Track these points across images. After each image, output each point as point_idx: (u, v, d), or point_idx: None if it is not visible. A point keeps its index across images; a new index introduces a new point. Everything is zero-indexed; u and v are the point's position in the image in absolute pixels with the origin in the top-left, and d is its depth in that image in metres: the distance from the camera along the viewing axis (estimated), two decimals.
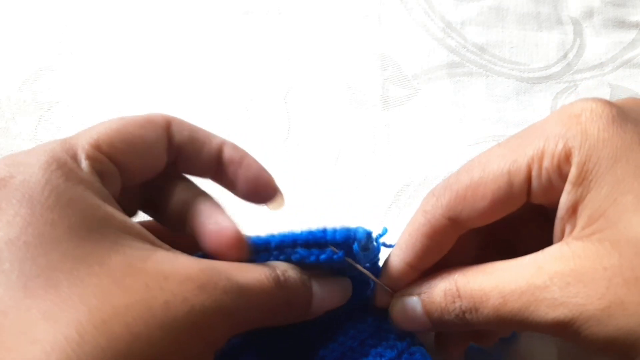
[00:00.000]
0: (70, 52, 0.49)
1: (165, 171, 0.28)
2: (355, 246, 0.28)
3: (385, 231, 0.30)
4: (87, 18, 0.51)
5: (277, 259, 0.28)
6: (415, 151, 0.44)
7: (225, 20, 0.51)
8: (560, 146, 0.26)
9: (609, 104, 0.27)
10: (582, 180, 0.25)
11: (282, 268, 0.27)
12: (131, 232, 0.22)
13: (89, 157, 0.23)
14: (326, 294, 0.28)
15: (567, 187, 0.26)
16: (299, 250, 0.27)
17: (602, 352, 0.24)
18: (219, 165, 0.29)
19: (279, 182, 0.43)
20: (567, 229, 0.26)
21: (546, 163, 0.26)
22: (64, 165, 0.22)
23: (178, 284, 0.21)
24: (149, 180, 0.28)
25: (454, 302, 0.27)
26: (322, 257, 0.27)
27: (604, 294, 0.23)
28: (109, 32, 0.50)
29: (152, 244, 0.23)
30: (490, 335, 0.33)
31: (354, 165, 0.44)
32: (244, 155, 0.30)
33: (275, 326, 0.28)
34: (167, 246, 0.24)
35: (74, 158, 0.23)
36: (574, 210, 0.26)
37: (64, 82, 0.48)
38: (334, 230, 0.28)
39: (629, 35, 0.51)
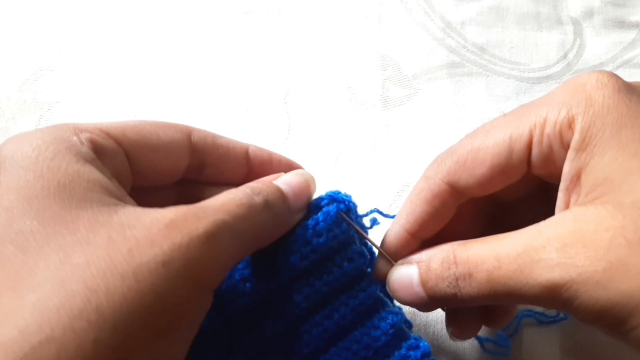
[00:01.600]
0: (70, 52, 0.49)
1: (195, 180, 0.29)
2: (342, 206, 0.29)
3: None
4: (87, 18, 0.51)
5: None
6: (415, 151, 0.44)
7: (225, 20, 0.51)
8: (563, 113, 0.26)
9: (615, 75, 0.26)
10: (586, 146, 0.25)
11: (248, 185, 0.26)
12: (102, 188, 0.22)
13: (89, 133, 0.24)
14: (296, 187, 0.28)
15: (570, 154, 0.26)
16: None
17: (594, 322, 0.23)
18: (249, 168, 0.30)
19: None
20: (572, 199, 0.26)
21: (548, 129, 0.26)
22: (60, 138, 0.23)
23: (144, 229, 0.20)
24: (178, 181, 0.28)
25: (449, 268, 0.27)
26: (312, 217, 0.28)
27: (604, 255, 0.22)
28: (109, 32, 0.50)
29: (121, 200, 0.23)
30: (499, 316, 0.32)
31: (354, 165, 0.44)
32: (270, 152, 0.31)
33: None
34: (135, 203, 0.24)
35: (76, 133, 0.23)
36: (577, 177, 0.25)
37: (64, 82, 0.48)
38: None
39: (629, 35, 0.51)
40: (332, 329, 0.28)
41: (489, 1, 0.52)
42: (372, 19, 0.51)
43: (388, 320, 0.29)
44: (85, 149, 0.23)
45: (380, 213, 0.33)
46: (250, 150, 0.30)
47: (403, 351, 0.29)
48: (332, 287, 0.29)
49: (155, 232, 0.20)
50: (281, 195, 0.27)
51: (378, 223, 0.33)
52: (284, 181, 0.28)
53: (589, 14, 0.52)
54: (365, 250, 0.31)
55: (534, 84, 0.48)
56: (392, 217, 0.33)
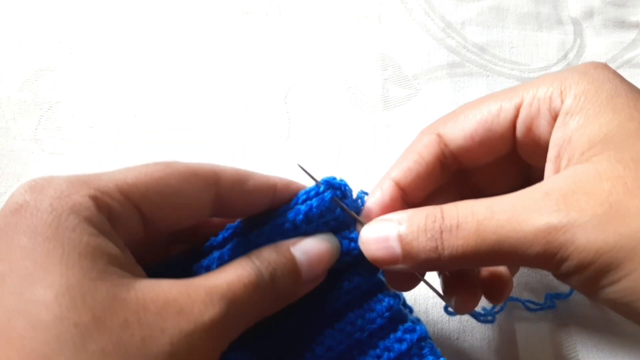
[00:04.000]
0: (70, 52, 0.49)
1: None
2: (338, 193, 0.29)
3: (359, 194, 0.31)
4: (87, 18, 0.51)
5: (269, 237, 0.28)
6: None
7: (225, 21, 0.51)
8: (557, 83, 0.27)
9: (609, 66, 0.27)
10: (580, 109, 0.25)
11: (259, 256, 0.26)
12: (118, 262, 0.22)
13: (108, 197, 0.23)
14: (314, 258, 0.27)
15: (560, 119, 0.26)
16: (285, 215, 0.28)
17: (586, 268, 0.22)
18: (273, 201, 0.29)
19: None
20: (563, 163, 0.26)
21: (540, 94, 0.27)
22: (79, 206, 0.22)
23: (156, 315, 0.21)
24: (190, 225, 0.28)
25: (434, 221, 0.26)
26: (305, 203, 0.28)
27: (604, 200, 0.22)
28: (109, 32, 0.50)
29: (133, 272, 0.23)
30: (498, 287, 0.32)
31: (354, 165, 0.44)
32: (298, 187, 0.30)
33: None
34: (142, 272, 0.24)
35: (94, 199, 0.23)
36: (568, 142, 0.25)
37: (64, 82, 0.48)
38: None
39: (629, 35, 0.51)
40: (328, 312, 0.28)
41: (489, 1, 0.52)
42: (372, 19, 0.51)
43: (384, 303, 0.29)
44: (103, 220, 0.23)
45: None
46: (279, 187, 0.29)
47: (399, 334, 0.28)
48: (328, 276, 0.29)
49: (165, 318, 0.21)
50: (291, 269, 0.26)
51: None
52: (302, 250, 0.27)
53: (589, 14, 0.52)
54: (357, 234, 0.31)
55: None
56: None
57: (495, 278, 0.32)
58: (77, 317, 0.19)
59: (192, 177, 0.26)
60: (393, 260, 0.27)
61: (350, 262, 0.29)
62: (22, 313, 0.19)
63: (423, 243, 0.26)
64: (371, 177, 0.43)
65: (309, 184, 0.30)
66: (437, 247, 0.25)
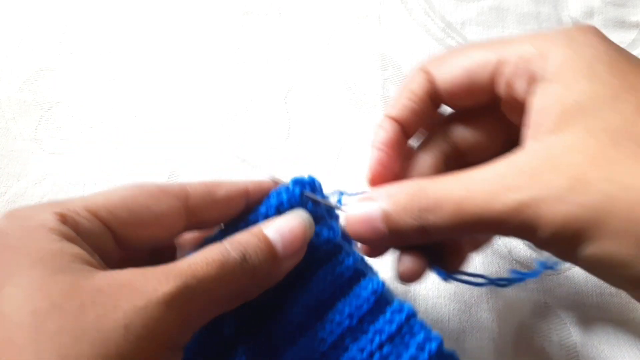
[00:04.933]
0: (70, 52, 0.49)
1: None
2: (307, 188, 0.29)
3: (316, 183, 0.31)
4: (87, 18, 0.51)
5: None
6: None
7: (225, 21, 0.51)
8: (540, 44, 0.27)
9: (599, 30, 0.27)
10: (557, 76, 0.26)
11: (229, 239, 0.26)
12: (82, 260, 0.23)
13: (75, 215, 0.25)
14: (287, 233, 0.27)
15: (538, 85, 0.26)
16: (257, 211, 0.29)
17: (555, 239, 0.23)
18: (248, 203, 0.30)
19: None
20: (539, 131, 0.26)
21: (522, 51, 0.27)
22: (45, 222, 0.24)
23: (110, 295, 0.22)
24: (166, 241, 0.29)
25: (416, 200, 0.27)
26: (276, 199, 0.29)
27: (569, 173, 0.23)
28: (109, 32, 0.50)
29: (99, 267, 0.24)
30: (450, 257, 0.32)
31: (354, 165, 0.43)
32: (269, 184, 0.31)
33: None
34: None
35: (60, 217, 0.24)
36: (544, 110, 0.26)
37: (64, 82, 0.48)
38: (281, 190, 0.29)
39: (629, 35, 0.51)
40: (313, 304, 0.29)
41: (489, 1, 0.52)
42: (372, 19, 0.51)
43: (369, 288, 0.29)
44: (67, 229, 0.24)
45: (345, 194, 0.34)
46: (250, 190, 0.30)
47: (388, 315, 0.29)
48: (307, 264, 0.29)
49: (120, 297, 0.22)
50: (265, 246, 0.26)
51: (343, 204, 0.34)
52: (274, 228, 0.27)
53: (589, 14, 0.52)
54: (336, 225, 0.31)
55: None
56: (358, 194, 0.33)
57: (448, 248, 0.32)
58: (35, 305, 0.21)
59: (160, 194, 0.27)
60: (379, 239, 0.28)
61: (330, 251, 0.30)
62: None
63: (407, 222, 0.27)
64: None
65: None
66: (420, 225, 0.26)
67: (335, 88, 0.47)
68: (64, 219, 0.24)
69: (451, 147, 0.32)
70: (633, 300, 0.37)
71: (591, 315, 0.37)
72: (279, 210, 0.29)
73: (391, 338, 0.28)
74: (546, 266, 0.36)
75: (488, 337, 0.36)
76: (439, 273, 0.33)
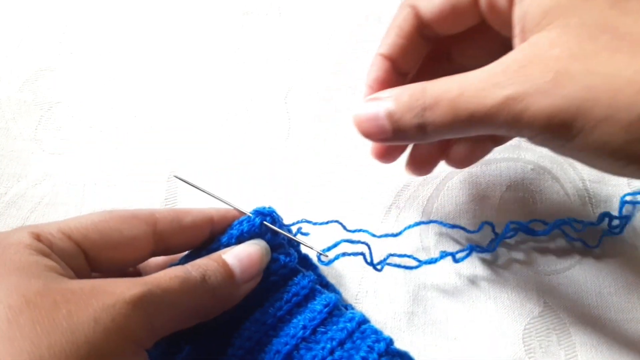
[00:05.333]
0: (70, 52, 0.49)
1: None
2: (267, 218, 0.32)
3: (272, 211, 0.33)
4: (87, 18, 0.51)
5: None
6: None
7: (225, 21, 0.51)
8: None
9: None
10: None
11: (191, 262, 0.29)
12: (56, 272, 0.25)
13: (50, 236, 0.27)
14: (245, 259, 0.30)
15: None
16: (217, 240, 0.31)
17: (545, 131, 0.25)
18: (212, 232, 0.32)
19: (279, 182, 0.43)
20: (525, 36, 0.27)
21: None
22: (21, 240, 0.26)
23: (82, 295, 0.23)
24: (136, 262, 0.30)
25: (417, 99, 0.28)
26: (237, 228, 0.31)
27: (551, 67, 0.24)
28: (109, 32, 0.50)
29: (71, 278, 0.26)
30: (459, 153, 0.35)
31: (354, 165, 0.43)
32: (234, 215, 0.33)
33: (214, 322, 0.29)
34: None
35: (35, 237, 0.26)
36: (526, 14, 0.27)
37: (64, 82, 0.48)
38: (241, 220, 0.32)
39: None
40: (270, 322, 0.31)
41: None
42: (372, 19, 0.51)
43: (322, 302, 0.32)
44: (42, 246, 0.26)
45: (309, 222, 0.37)
46: (215, 219, 0.32)
47: (340, 325, 0.31)
48: (265, 287, 0.31)
49: (91, 297, 0.24)
50: (224, 270, 0.29)
51: (307, 234, 0.37)
52: (233, 254, 0.30)
53: None
54: (294, 251, 0.34)
55: None
56: (322, 223, 0.37)
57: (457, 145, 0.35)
58: (11, 301, 0.22)
59: (131, 218, 0.29)
60: (383, 136, 0.30)
61: (287, 275, 0.32)
62: None
63: (409, 120, 0.29)
64: (371, 177, 0.43)
65: (256, 204, 0.33)
66: (420, 123, 0.28)
67: (335, 88, 0.47)
68: (38, 237, 0.26)
69: (451, 70, 0.33)
70: (633, 300, 0.37)
71: (591, 315, 0.37)
72: (240, 239, 0.31)
73: (342, 343, 0.30)
74: (474, 248, 0.38)
75: (487, 337, 0.36)
76: (372, 265, 0.36)
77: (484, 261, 0.39)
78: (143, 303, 0.24)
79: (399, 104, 0.29)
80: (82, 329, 0.22)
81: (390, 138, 0.30)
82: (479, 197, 0.41)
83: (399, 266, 0.37)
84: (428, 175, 0.42)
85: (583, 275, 0.38)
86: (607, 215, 0.39)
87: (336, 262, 0.38)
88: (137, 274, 0.33)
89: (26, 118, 0.46)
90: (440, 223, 0.39)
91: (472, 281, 0.38)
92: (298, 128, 0.45)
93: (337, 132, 0.45)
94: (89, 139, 0.45)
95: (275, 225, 0.32)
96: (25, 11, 0.51)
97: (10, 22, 0.50)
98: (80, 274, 0.27)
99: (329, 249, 0.36)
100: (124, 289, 0.24)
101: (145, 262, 0.32)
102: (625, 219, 0.39)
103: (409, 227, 0.39)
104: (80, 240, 0.27)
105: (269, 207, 0.33)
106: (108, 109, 0.46)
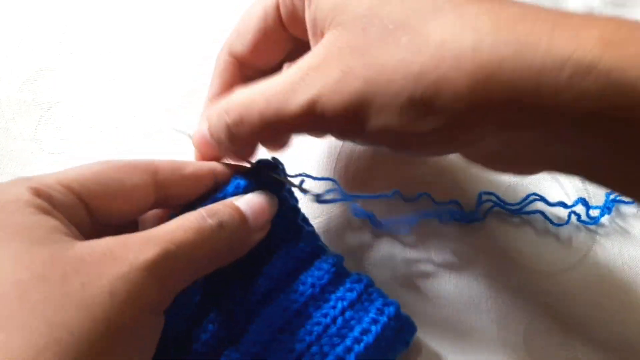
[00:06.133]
0: (70, 52, 0.49)
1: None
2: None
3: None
4: (87, 18, 0.51)
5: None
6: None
7: (225, 21, 0.51)
8: None
9: None
10: None
11: (205, 208, 0.28)
12: (59, 232, 0.24)
13: (48, 188, 0.25)
14: (256, 206, 0.30)
15: (305, 1, 0.29)
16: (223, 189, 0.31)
17: (344, 126, 0.26)
18: (215, 185, 0.32)
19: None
20: (317, 35, 0.29)
21: None
22: (19, 195, 0.24)
23: (92, 264, 0.22)
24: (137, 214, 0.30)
25: (223, 118, 0.29)
26: (242, 179, 0.31)
27: (337, 66, 0.25)
28: (109, 32, 0.50)
29: (77, 238, 0.24)
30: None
31: (354, 165, 0.43)
32: (235, 167, 0.33)
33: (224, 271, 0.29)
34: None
35: (35, 191, 0.25)
36: (315, 19, 0.28)
37: (64, 82, 0.48)
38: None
39: None
40: (277, 276, 0.31)
41: None
42: None
43: (329, 261, 0.32)
44: (41, 202, 0.24)
45: (309, 176, 0.37)
46: (218, 170, 0.32)
47: (348, 285, 0.31)
48: (270, 241, 0.31)
49: (102, 265, 0.22)
50: (238, 216, 0.28)
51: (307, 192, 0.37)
52: (244, 201, 0.30)
53: (589, 13, 0.52)
54: (297, 206, 0.34)
55: None
56: (321, 179, 0.37)
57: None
58: (18, 276, 0.21)
59: (130, 168, 0.28)
60: (221, 153, 0.32)
61: (291, 230, 0.32)
62: None
63: (224, 138, 0.29)
64: (371, 176, 0.43)
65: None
66: (235, 140, 0.29)
67: None
68: (37, 192, 0.24)
69: None
70: (633, 300, 0.37)
71: (591, 315, 0.37)
72: (245, 189, 0.31)
73: (352, 304, 0.30)
74: (422, 215, 0.39)
75: (487, 337, 0.36)
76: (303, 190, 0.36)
77: (485, 261, 0.39)
78: (159, 268, 0.23)
79: (211, 125, 0.30)
80: (97, 302, 0.21)
81: (227, 154, 0.31)
82: (479, 196, 0.41)
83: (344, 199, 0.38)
84: (429, 173, 0.42)
85: (583, 275, 0.38)
86: (582, 201, 0.39)
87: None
88: (135, 226, 0.32)
89: (26, 118, 0.46)
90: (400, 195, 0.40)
91: (473, 281, 0.38)
92: None
93: None
94: (89, 139, 0.45)
95: (280, 173, 0.33)
96: (25, 11, 0.51)
97: (10, 22, 0.50)
98: (81, 229, 0.26)
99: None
100: (137, 252, 0.23)
101: (144, 215, 0.32)
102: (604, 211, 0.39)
103: (370, 197, 0.39)
104: (80, 192, 0.26)
105: (272, 158, 0.33)
106: (108, 109, 0.46)
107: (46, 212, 0.24)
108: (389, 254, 0.39)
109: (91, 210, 0.27)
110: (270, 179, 0.32)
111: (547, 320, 0.37)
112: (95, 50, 0.49)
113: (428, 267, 0.38)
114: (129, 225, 0.31)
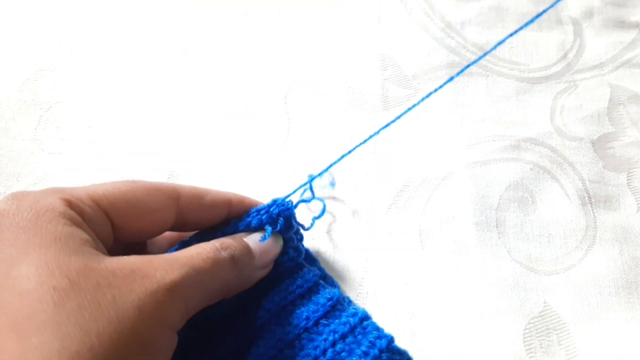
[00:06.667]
0: (70, 52, 0.49)
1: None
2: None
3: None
4: (87, 18, 0.51)
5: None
6: (415, 151, 0.44)
7: (225, 21, 0.51)
8: None
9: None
10: None
11: (217, 240, 0.29)
12: (91, 245, 0.25)
13: (80, 202, 0.26)
14: (263, 245, 0.31)
15: None
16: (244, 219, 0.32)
17: None
18: (228, 216, 0.33)
19: (279, 182, 0.43)
20: None
21: None
22: (54, 205, 0.25)
23: (123, 279, 0.23)
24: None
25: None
26: (256, 217, 0.32)
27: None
28: (109, 32, 0.50)
29: (103, 253, 0.25)
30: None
31: (354, 165, 0.43)
32: (250, 202, 0.33)
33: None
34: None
35: (67, 202, 0.26)
36: None
37: (64, 82, 0.48)
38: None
39: (629, 35, 0.51)
40: (274, 310, 0.31)
41: (489, 1, 0.52)
42: (372, 19, 0.51)
43: (326, 295, 0.32)
44: (75, 215, 0.25)
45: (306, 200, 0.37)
46: (233, 202, 0.33)
47: (342, 319, 0.31)
48: (272, 277, 0.32)
49: (132, 281, 0.23)
50: (248, 252, 0.30)
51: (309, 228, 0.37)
52: (252, 239, 0.31)
53: (589, 14, 0.52)
54: (302, 246, 0.35)
55: (534, 84, 0.48)
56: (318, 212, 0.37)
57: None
58: (55, 282, 0.22)
59: (156, 191, 0.29)
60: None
61: (293, 268, 0.33)
62: (8, 287, 0.22)
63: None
64: (371, 177, 0.43)
65: (264, 200, 0.34)
66: None
67: (335, 88, 0.47)
68: (70, 205, 0.26)
69: None
70: (633, 300, 0.37)
71: (591, 315, 0.37)
72: (256, 228, 0.32)
73: (344, 337, 0.31)
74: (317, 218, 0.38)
75: (487, 337, 0.36)
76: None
77: (484, 261, 0.39)
78: (181, 289, 0.25)
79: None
80: (127, 316, 0.22)
81: None
82: (479, 196, 0.41)
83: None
84: (427, 176, 0.42)
85: (583, 275, 0.38)
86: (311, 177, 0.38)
87: (336, 263, 0.38)
88: (144, 246, 0.33)
89: (26, 118, 0.46)
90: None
91: (473, 281, 0.38)
92: (298, 128, 0.45)
93: (337, 133, 0.45)
94: (89, 139, 0.45)
95: (290, 219, 0.33)
96: (25, 11, 0.51)
97: (10, 22, 0.50)
98: (106, 244, 0.27)
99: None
100: (163, 272, 0.24)
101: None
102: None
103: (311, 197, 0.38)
104: (108, 209, 0.27)
105: (288, 201, 0.34)
106: (108, 109, 0.46)
107: (78, 224, 0.25)
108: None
109: (115, 227, 0.27)
110: (281, 221, 0.33)
111: (547, 320, 0.37)
112: (95, 50, 0.49)
113: (428, 274, 0.38)
114: (138, 245, 0.32)
